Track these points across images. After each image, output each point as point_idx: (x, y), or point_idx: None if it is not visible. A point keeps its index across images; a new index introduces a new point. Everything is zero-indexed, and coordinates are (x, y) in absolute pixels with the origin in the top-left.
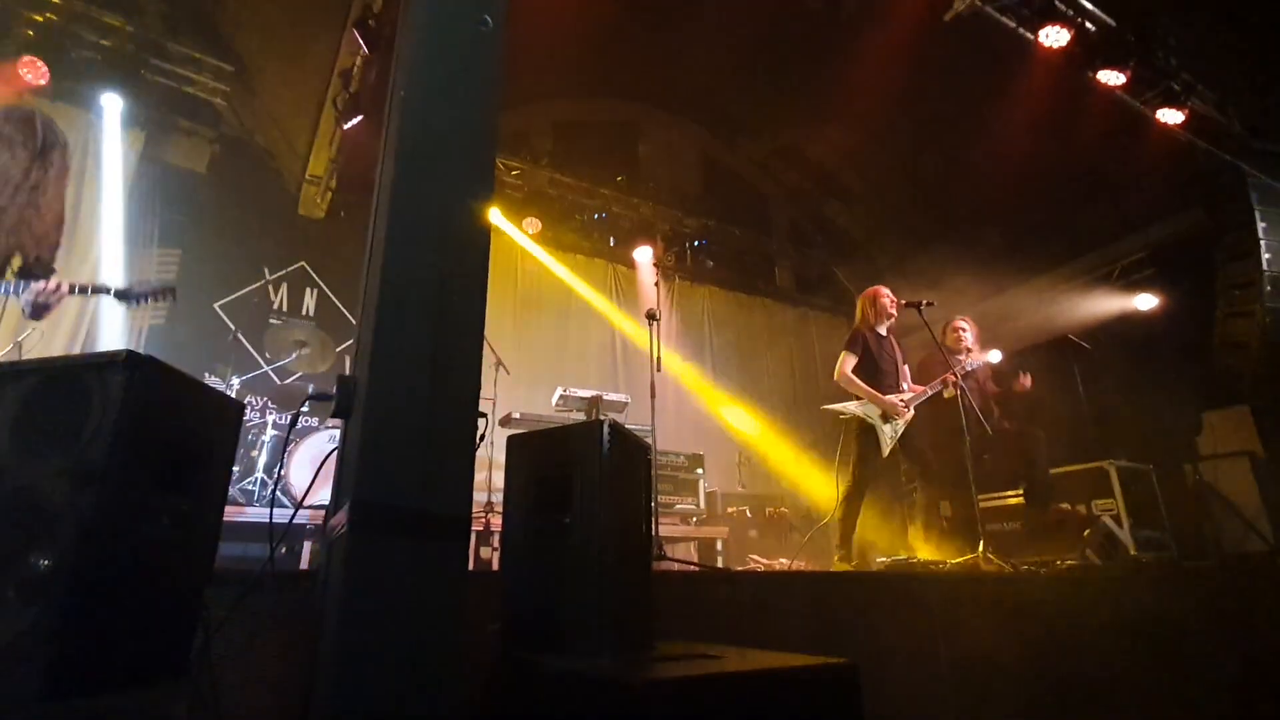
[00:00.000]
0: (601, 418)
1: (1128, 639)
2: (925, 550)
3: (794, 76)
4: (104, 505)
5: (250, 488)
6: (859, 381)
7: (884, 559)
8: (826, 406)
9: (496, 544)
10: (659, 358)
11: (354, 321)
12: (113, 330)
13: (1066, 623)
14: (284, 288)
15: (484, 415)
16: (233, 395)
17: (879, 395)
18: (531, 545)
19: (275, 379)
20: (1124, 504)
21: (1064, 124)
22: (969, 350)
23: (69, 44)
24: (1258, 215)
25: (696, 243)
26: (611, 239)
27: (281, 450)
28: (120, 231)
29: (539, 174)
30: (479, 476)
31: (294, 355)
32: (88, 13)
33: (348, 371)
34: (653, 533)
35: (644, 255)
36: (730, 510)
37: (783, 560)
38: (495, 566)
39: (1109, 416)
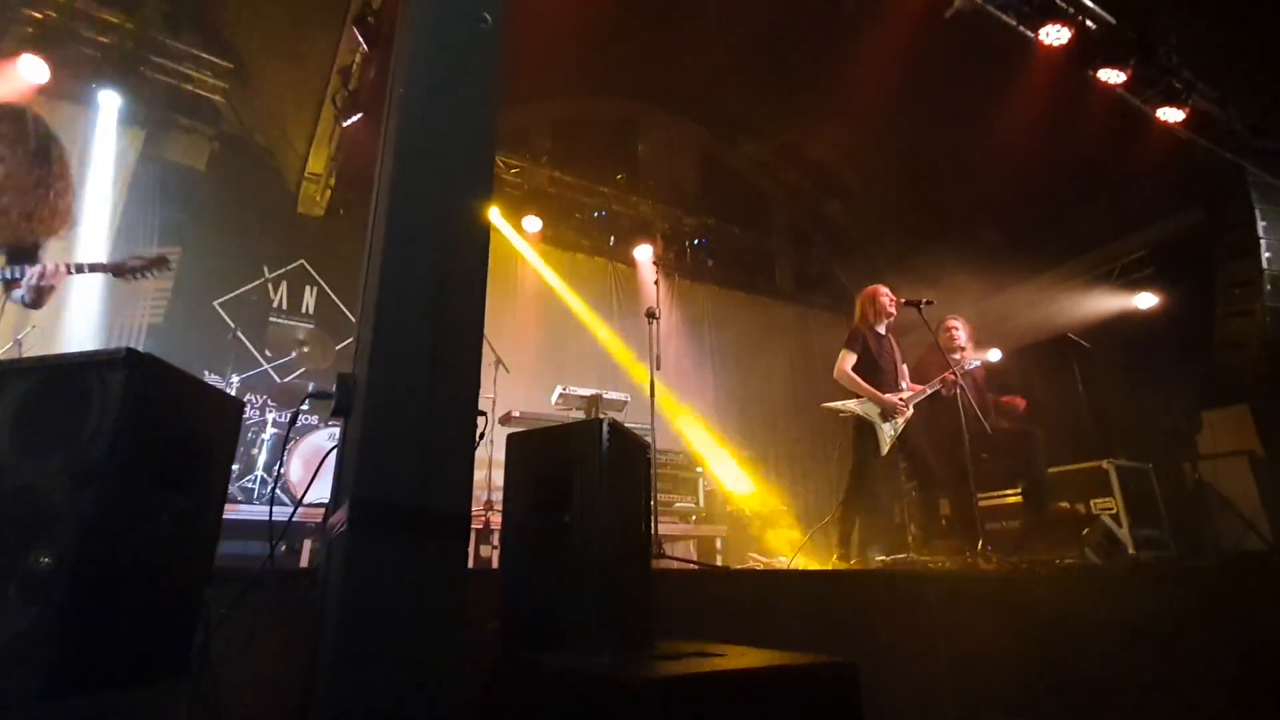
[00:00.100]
0: (601, 416)
1: (1127, 638)
2: (924, 549)
3: (794, 75)
4: (104, 504)
5: (250, 486)
6: (859, 380)
7: (883, 558)
8: (826, 405)
9: (496, 542)
10: (659, 356)
11: (354, 319)
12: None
13: (1065, 621)
14: (283, 286)
15: (484, 413)
16: (232, 393)
17: (878, 394)
18: (531, 544)
19: (275, 377)
20: (1123, 503)
21: (1064, 122)
22: (962, 349)
23: (69, 41)
24: (1258, 214)
25: (696, 241)
26: (611, 237)
27: (281, 448)
28: (119, 229)
29: (539, 172)
30: (479, 475)
31: (293, 353)
32: (88, 10)
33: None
34: (652, 531)
35: (644, 254)
36: (730, 509)
37: (782, 559)
38: (495, 565)
39: (1108, 415)
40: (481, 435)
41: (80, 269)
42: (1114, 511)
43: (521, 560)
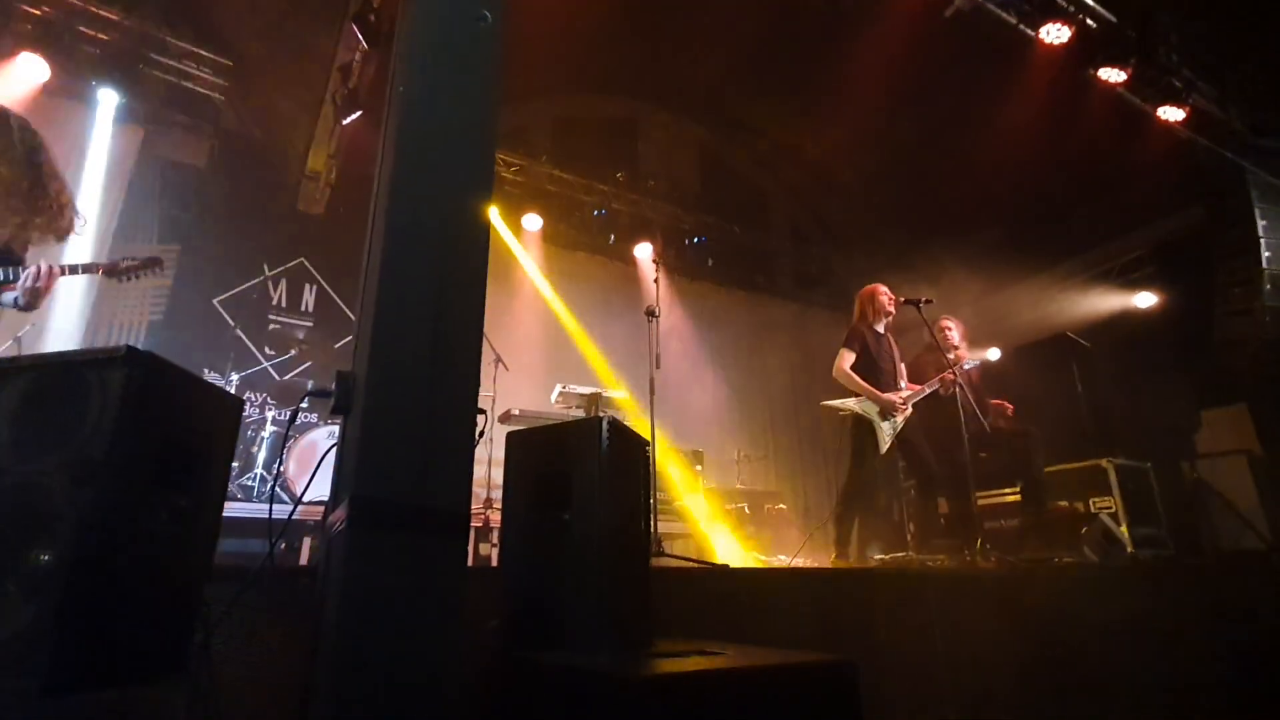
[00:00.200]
0: (600, 414)
1: (1125, 636)
2: (923, 548)
3: (793, 74)
4: (104, 501)
5: (250, 483)
6: (858, 378)
7: (882, 556)
8: (825, 403)
9: (496, 540)
10: (658, 354)
11: (353, 317)
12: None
13: (1064, 620)
14: (283, 283)
15: (483, 412)
16: (232, 391)
17: (878, 392)
18: (531, 542)
19: (275, 375)
20: (1122, 501)
21: (1064, 121)
22: (956, 349)
23: (69, 38)
24: (1257, 213)
25: (696, 239)
26: (611, 236)
27: (281, 446)
28: (118, 227)
29: (539, 170)
30: (478, 473)
31: (293, 351)
32: (87, 7)
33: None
34: (652, 529)
35: (643, 252)
36: (729, 507)
37: (782, 557)
38: (495, 563)
39: (1107, 414)
40: (481, 433)
41: (73, 270)
42: (1112, 510)
43: (521, 558)
